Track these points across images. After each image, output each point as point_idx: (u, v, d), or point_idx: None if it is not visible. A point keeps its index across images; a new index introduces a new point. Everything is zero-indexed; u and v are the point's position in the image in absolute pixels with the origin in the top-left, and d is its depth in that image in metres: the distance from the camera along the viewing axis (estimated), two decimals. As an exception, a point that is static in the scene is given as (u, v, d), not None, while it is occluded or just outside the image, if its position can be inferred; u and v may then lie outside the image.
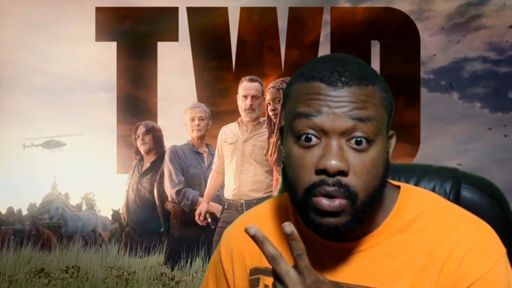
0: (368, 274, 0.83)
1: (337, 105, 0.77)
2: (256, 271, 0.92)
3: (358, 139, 0.77)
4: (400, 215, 0.85)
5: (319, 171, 0.77)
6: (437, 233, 0.82)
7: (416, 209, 0.85)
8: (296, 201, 0.81)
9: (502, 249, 0.82)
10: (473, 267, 0.79)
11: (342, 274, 0.84)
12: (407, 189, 0.89)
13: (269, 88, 3.46)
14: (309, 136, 0.78)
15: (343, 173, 0.77)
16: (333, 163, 0.76)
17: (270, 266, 0.89)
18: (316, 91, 0.78)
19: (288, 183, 0.82)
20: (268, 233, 0.92)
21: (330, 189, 0.77)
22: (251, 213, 0.99)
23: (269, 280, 0.89)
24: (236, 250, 0.94)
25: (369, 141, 0.77)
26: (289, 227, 0.72)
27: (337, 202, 0.77)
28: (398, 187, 0.89)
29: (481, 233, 0.82)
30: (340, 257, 0.85)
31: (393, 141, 0.85)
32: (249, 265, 0.93)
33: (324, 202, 0.77)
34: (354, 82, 0.78)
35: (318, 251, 0.86)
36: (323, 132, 0.77)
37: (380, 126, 0.79)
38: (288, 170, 0.81)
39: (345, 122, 0.77)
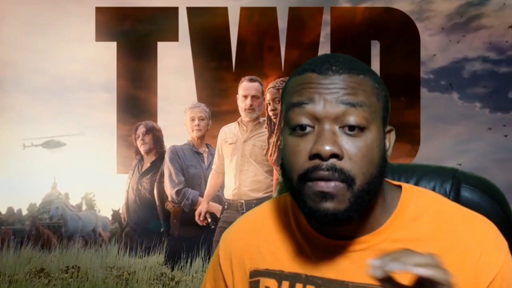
0: None
1: (327, 92, 0.79)
2: (256, 273, 0.91)
3: (351, 125, 0.78)
4: (404, 213, 0.85)
5: (313, 156, 0.77)
6: (443, 232, 0.83)
7: (420, 208, 0.86)
8: (292, 189, 0.81)
9: (505, 240, 0.84)
10: (491, 264, 0.81)
11: (347, 273, 0.84)
12: (408, 188, 0.89)
13: (269, 88, 3.46)
14: (303, 125, 0.79)
15: (337, 157, 0.77)
16: (326, 147, 0.76)
17: (270, 268, 0.89)
18: (307, 80, 0.80)
19: (285, 174, 0.82)
20: (267, 234, 0.92)
21: (325, 173, 0.77)
22: (250, 215, 0.98)
23: (269, 282, 0.89)
24: (235, 252, 0.94)
25: (362, 128, 0.78)
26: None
27: (333, 184, 0.77)
28: (399, 186, 0.89)
29: (487, 230, 0.84)
30: (344, 256, 0.85)
31: (392, 136, 0.86)
32: (248, 267, 0.92)
33: (320, 183, 0.77)
34: (344, 71, 0.80)
35: (322, 250, 0.86)
36: (316, 120, 0.79)
37: (372, 113, 0.80)
38: (284, 160, 0.82)
39: (337, 107, 0.78)
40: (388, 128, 0.85)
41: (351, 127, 0.78)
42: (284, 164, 0.82)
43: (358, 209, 0.79)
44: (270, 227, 0.92)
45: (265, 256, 0.90)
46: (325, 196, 0.77)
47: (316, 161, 0.77)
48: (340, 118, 0.78)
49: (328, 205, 0.78)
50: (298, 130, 0.79)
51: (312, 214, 0.79)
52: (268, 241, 0.91)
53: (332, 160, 0.77)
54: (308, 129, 0.79)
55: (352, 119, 0.78)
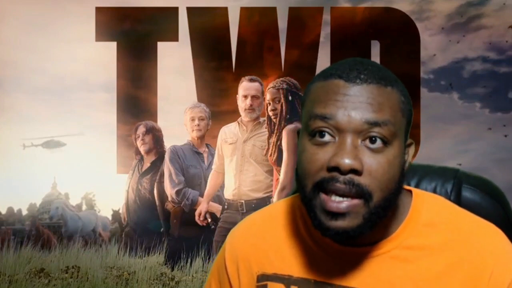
0: (384, 280, 0.82)
1: (353, 106, 0.76)
2: (263, 278, 0.89)
3: (374, 138, 0.76)
4: (416, 221, 0.84)
5: (331, 168, 0.75)
6: (456, 242, 0.82)
7: (432, 214, 0.84)
8: (305, 198, 0.79)
9: None
10: (505, 275, 0.80)
11: (357, 280, 0.83)
12: (419, 193, 0.87)
13: (269, 88, 3.46)
14: (324, 133, 0.77)
15: (356, 172, 0.75)
16: (346, 161, 0.74)
17: (278, 272, 0.87)
18: (334, 88, 0.77)
19: (299, 180, 0.80)
20: (275, 238, 0.90)
21: (341, 186, 0.75)
22: (256, 217, 0.96)
23: (277, 287, 0.87)
24: (242, 255, 0.92)
25: (385, 142, 0.76)
26: None
27: (345, 204, 0.75)
28: (409, 191, 0.88)
29: (501, 240, 0.83)
30: (355, 262, 0.83)
31: (411, 150, 0.83)
32: (255, 271, 0.90)
33: (331, 203, 0.75)
34: (373, 81, 0.77)
35: (332, 256, 0.85)
36: (338, 131, 0.76)
37: (397, 130, 0.77)
38: (299, 166, 0.79)
39: (360, 125, 0.75)
40: (408, 141, 0.82)
41: (374, 142, 0.76)
42: (299, 170, 0.80)
43: (372, 225, 0.77)
44: (278, 231, 0.91)
45: (273, 260, 0.89)
46: (336, 215, 0.76)
47: (334, 173, 0.75)
48: (363, 133, 0.76)
49: (340, 223, 0.76)
50: (318, 137, 0.77)
51: (322, 230, 0.77)
52: (276, 245, 0.90)
53: (351, 175, 0.75)
54: (328, 138, 0.77)
55: (375, 135, 0.76)
